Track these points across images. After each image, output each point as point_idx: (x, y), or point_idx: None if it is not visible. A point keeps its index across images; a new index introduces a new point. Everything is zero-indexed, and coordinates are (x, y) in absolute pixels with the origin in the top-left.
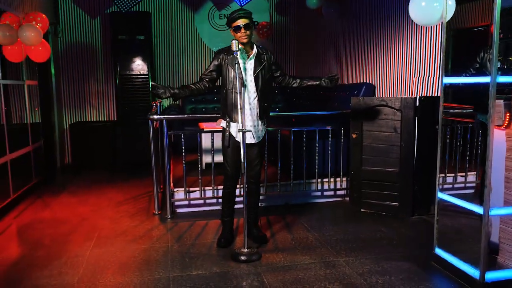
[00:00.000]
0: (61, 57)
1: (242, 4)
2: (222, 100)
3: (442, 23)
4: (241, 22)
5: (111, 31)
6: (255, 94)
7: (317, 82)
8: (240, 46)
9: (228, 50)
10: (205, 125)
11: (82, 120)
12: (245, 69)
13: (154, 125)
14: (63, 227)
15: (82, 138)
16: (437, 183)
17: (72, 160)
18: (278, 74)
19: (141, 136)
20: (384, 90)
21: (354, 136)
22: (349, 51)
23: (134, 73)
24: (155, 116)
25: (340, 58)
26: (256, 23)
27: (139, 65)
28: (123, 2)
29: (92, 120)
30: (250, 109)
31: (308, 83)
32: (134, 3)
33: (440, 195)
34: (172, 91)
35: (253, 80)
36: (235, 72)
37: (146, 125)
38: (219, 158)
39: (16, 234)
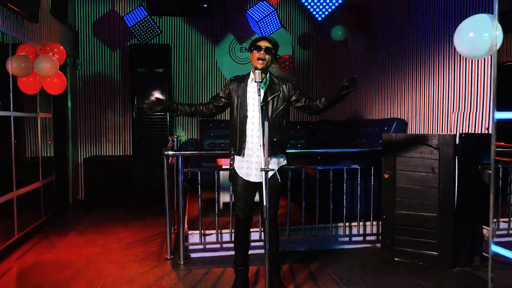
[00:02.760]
0: (78, 90)
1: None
2: (230, 133)
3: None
4: (263, 43)
5: (130, 63)
6: (266, 124)
7: (337, 90)
8: (260, 75)
9: (241, 78)
10: (223, 162)
11: (97, 154)
12: (255, 97)
13: (170, 161)
14: (66, 271)
15: (96, 173)
16: (490, 233)
17: (85, 196)
18: (304, 103)
19: (158, 171)
20: (418, 126)
21: (386, 176)
22: (377, 84)
23: None
24: (170, 152)
25: (367, 91)
26: (278, 56)
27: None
28: (143, 34)
29: (107, 154)
30: (258, 142)
31: (330, 96)
32: (154, 35)
33: (495, 248)
34: (167, 104)
35: (262, 110)
36: (244, 98)
37: (163, 160)
38: None
39: (14, 279)
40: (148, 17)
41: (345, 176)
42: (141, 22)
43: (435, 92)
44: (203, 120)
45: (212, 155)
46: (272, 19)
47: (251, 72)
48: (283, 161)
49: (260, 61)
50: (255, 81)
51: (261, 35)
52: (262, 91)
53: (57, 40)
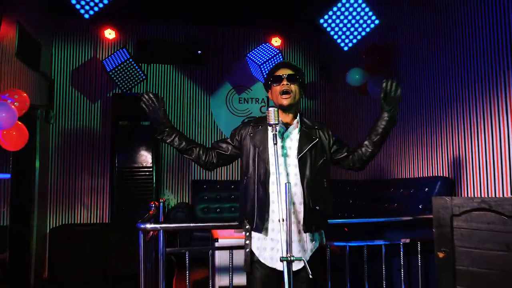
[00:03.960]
0: (51, 146)
1: None
2: (241, 197)
3: None
4: (283, 71)
5: (111, 116)
6: (300, 189)
7: (381, 115)
8: (275, 113)
9: (259, 121)
10: (220, 234)
11: (69, 222)
12: (284, 148)
13: (148, 236)
14: None
15: (66, 246)
16: None
17: (50, 274)
18: (345, 153)
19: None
20: (470, 186)
21: (441, 255)
22: (406, 135)
23: (135, 165)
24: (148, 226)
25: (394, 145)
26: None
27: (142, 156)
28: (124, 79)
29: (81, 222)
30: (288, 214)
31: (378, 130)
32: (137, 81)
33: None
34: (166, 115)
35: (296, 166)
36: (263, 148)
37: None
38: (239, 280)
39: None
40: (131, 60)
41: (383, 253)
42: (122, 65)
43: (496, 141)
44: (195, 180)
45: (204, 228)
46: (277, 62)
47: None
48: (323, 241)
49: (285, 95)
50: (269, 123)
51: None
52: (279, 139)
53: (23, 88)
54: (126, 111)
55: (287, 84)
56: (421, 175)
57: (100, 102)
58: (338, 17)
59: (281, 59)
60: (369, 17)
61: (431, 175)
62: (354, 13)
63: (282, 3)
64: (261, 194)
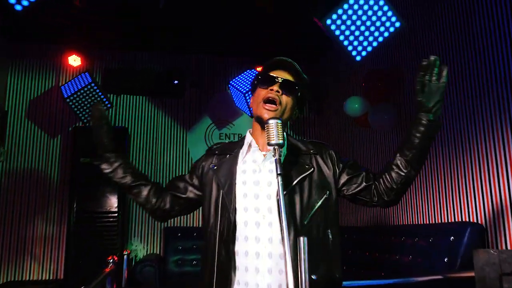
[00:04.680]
0: (0, 188)
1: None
2: (201, 261)
3: None
4: (280, 73)
5: (72, 153)
6: (287, 244)
7: (417, 119)
8: (278, 128)
9: (227, 148)
10: None
11: (15, 279)
12: (256, 184)
13: None
14: None
15: None
16: None
17: None
18: (364, 183)
19: None
20: (509, 235)
21: None
22: (423, 171)
23: (97, 210)
24: None
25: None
26: (305, 103)
27: (106, 199)
28: (85, 107)
29: (30, 278)
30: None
31: (414, 141)
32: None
33: None
34: (110, 157)
35: (280, 209)
36: (230, 187)
37: None
38: None
39: None
40: (93, 85)
41: None
42: (82, 91)
43: None
44: (168, 227)
45: None
46: None
47: (248, 133)
48: None
49: (269, 105)
50: (270, 142)
51: (249, 111)
52: (250, 163)
53: None
54: (88, 147)
55: (277, 92)
56: (442, 220)
57: (61, 137)
58: (349, 17)
59: None
60: (388, 18)
61: (453, 220)
62: (370, 13)
63: (269, 29)
64: (222, 258)
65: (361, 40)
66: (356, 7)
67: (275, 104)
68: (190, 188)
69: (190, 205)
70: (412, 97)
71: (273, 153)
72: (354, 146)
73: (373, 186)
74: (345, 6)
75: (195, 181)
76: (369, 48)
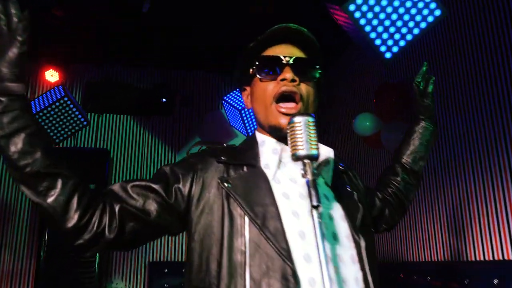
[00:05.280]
0: None
1: (250, 134)
2: None
3: None
4: (286, 51)
5: None
6: None
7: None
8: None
9: (238, 153)
10: None
11: None
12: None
13: None
14: None
15: None
16: None
17: None
18: (380, 206)
19: None
20: None
21: None
22: (434, 202)
23: None
24: None
25: (415, 217)
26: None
27: None
28: (56, 124)
29: None
30: None
31: (419, 146)
32: (75, 128)
33: None
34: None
35: (355, 260)
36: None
37: None
38: None
39: None
40: (66, 99)
41: None
42: (53, 106)
43: None
44: (153, 262)
45: None
46: None
47: (258, 134)
48: None
49: (285, 104)
50: (295, 154)
51: (245, 131)
52: (282, 183)
53: None
54: None
55: (293, 81)
56: (477, 258)
57: None
58: (378, 1)
59: None
60: (426, 4)
61: (491, 258)
62: None
63: None
64: None
65: (392, 32)
66: None
67: (295, 101)
68: (159, 208)
69: (153, 233)
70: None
71: (302, 171)
72: (366, 169)
73: (386, 210)
74: None
75: (178, 199)
76: (402, 43)
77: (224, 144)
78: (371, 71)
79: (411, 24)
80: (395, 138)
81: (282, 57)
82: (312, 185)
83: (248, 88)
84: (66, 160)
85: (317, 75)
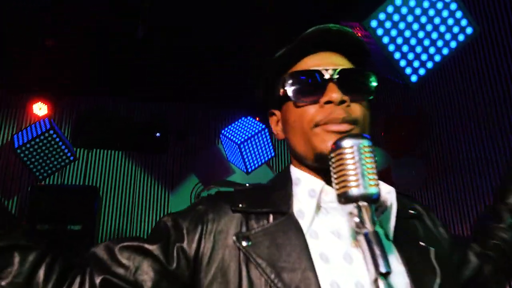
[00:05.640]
0: None
1: (249, 171)
2: None
3: None
4: (328, 62)
5: (28, 217)
6: None
7: None
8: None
9: (263, 197)
10: None
11: None
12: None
13: None
14: None
15: None
16: None
17: None
18: (482, 262)
19: None
20: None
21: None
22: None
23: None
24: None
25: None
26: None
27: None
28: (40, 160)
29: None
30: None
31: None
32: (60, 164)
33: None
34: None
35: None
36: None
37: None
38: None
39: None
40: (51, 132)
41: None
42: (37, 140)
43: None
44: None
45: None
46: (262, 141)
47: (294, 169)
48: None
49: (337, 126)
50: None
51: (244, 170)
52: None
53: None
54: (47, 210)
55: (343, 102)
56: None
57: (17, 199)
58: (403, 17)
59: (269, 137)
60: (457, 21)
61: None
62: (432, 12)
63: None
64: None
65: (419, 52)
66: (412, 3)
67: (350, 124)
68: (162, 276)
69: None
70: (444, 145)
71: (356, 219)
72: None
73: (495, 269)
74: (397, 2)
75: (181, 264)
76: (429, 64)
77: (247, 184)
78: (378, 103)
79: (440, 43)
80: (407, 174)
81: (324, 71)
82: (375, 240)
83: (278, 113)
84: (22, 226)
85: (372, 90)
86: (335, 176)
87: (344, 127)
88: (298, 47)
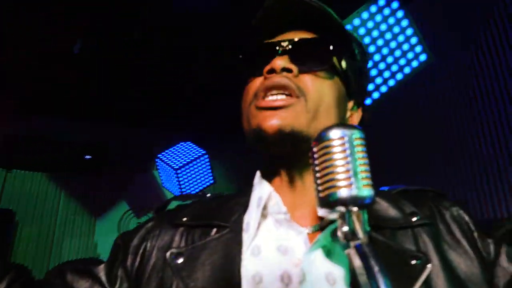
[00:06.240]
0: None
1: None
2: None
3: None
4: (285, 36)
5: None
6: None
7: None
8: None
9: (212, 210)
10: None
11: None
12: None
13: None
14: None
15: None
16: None
17: None
18: None
19: None
20: None
21: None
22: None
23: None
24: None
25: None
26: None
27: None
28: None
29: None
30: None
31: None
32: None
33: None
34: None
35: None
36: None
37: None
38: None
39: None
40: None
41: None
42: None
43: None
44: None
45: None
46: (201, 166)
47: (259, 176)
48: None
49: (270, 99)
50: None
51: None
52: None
53: None
54: None
55: (288, 70)
56: None
57: None
58: (361, 38)
59: (209, 163)
60: (411, 47)
61: None
62: (388, 36)
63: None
64: None
65: (390, 62)
66: (370, 24)
67: (283, 90)
68: None
69: None
70: None
71: (345, 229)
72: None
73: None
74: (364, 15)
75: (123, 285)
76: (392, 82)
77: (208, 194)
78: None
79: (394, 68)
80: None
81: (275, 43)
82: (372, 253)
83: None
84: None
85: (327, 59)
86: (318, 175)
87: (277, 98)
88: (258, 21)
